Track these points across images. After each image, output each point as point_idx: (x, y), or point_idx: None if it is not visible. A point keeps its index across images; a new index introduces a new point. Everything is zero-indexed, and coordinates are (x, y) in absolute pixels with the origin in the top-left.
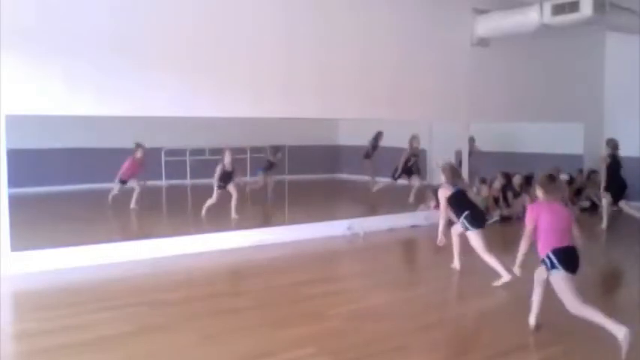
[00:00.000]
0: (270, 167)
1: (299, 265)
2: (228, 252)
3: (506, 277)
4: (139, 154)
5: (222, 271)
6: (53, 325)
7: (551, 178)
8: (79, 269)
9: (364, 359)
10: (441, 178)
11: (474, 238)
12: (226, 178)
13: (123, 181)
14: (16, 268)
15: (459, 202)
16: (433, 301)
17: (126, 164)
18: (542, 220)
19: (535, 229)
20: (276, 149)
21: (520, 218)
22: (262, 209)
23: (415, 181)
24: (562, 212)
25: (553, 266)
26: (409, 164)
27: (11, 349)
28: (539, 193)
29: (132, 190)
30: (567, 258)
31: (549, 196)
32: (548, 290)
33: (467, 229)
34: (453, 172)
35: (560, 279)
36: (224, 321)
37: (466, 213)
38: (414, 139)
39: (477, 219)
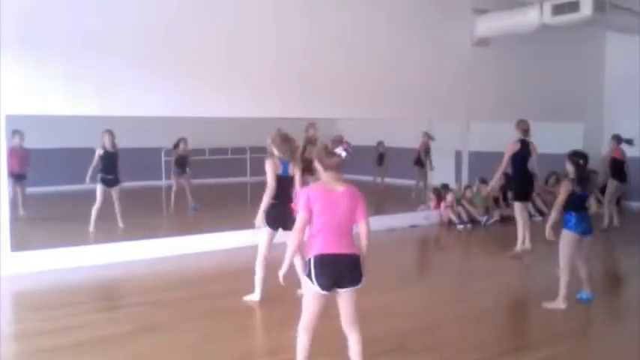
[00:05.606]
0: (180, 164)
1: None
2: (228, 252)
3: (256, 296)
4: (16, 141)
5: (222, 271)
6: (53, 325)
7: (330, 150)
8: (79, 269)
9: (364, 359)
10: (272, 149)
11: (261, 236)
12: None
13: (15, 176)
14: (16, 268)
15: (279, 186)
16: (433, 301)
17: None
18: (316, 210)
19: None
20: (177, 142)
21: None
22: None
23: None
24: (342, 202)
25: (309, 276)
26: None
27: (11, 349)
28: (317, 166)
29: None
30: (327, 271)
31: (329, 172)
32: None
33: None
34: (283, 141)
35: (311, 296)
36: (224, 321)
37: (274, 201)
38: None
39: (271, 217)
